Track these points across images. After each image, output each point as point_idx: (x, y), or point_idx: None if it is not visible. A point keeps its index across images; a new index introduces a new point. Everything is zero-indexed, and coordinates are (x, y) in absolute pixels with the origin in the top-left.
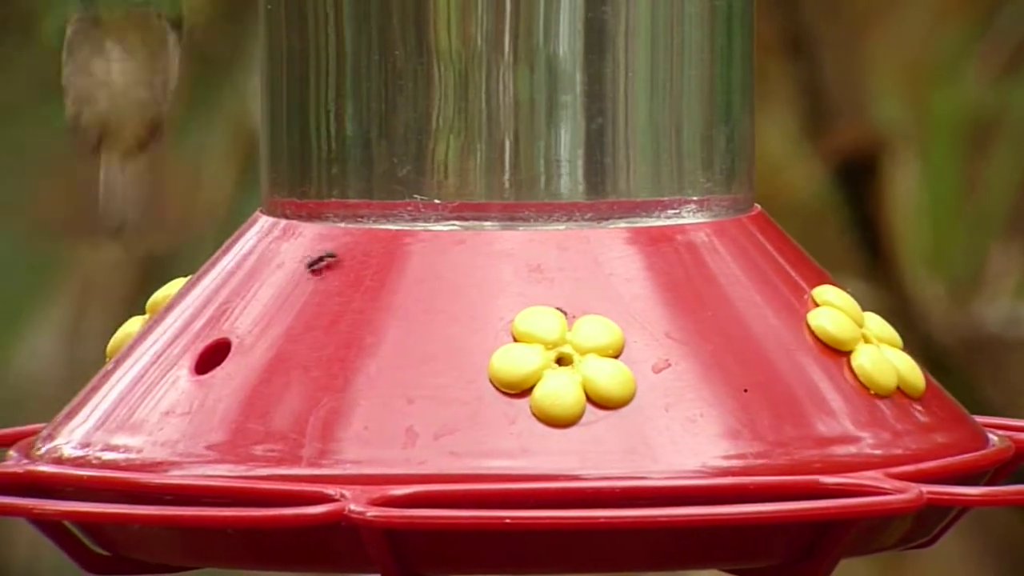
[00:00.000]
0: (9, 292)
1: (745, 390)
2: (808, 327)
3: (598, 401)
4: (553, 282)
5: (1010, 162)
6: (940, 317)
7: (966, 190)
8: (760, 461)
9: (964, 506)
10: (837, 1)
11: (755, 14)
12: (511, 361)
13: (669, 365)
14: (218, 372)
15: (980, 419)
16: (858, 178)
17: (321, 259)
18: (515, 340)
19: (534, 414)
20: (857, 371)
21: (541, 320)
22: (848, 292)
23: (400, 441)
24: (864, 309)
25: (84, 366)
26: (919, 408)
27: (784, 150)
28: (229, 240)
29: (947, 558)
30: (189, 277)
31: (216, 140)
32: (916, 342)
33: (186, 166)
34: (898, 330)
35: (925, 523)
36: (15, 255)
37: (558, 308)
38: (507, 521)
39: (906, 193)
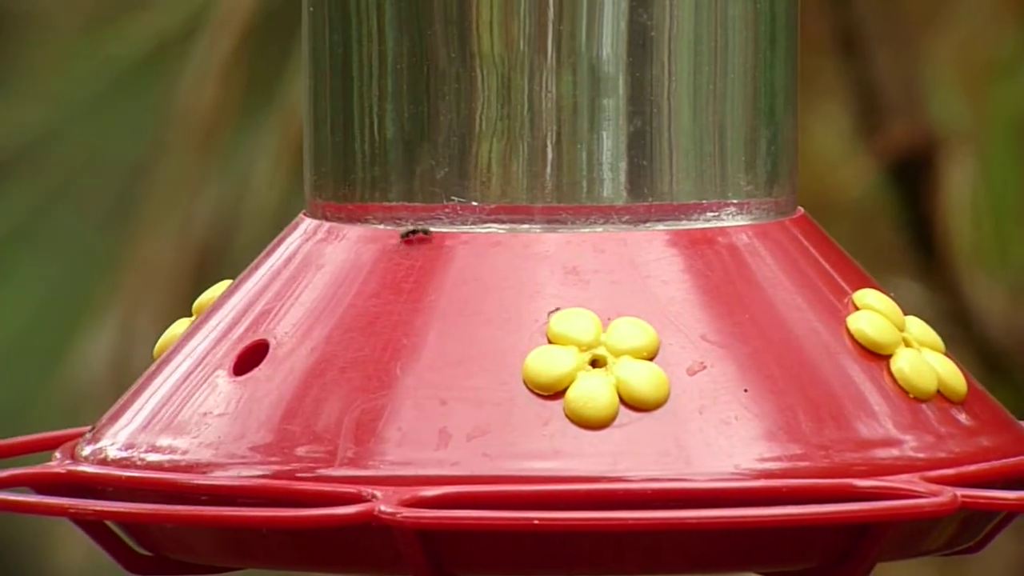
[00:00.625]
0: (66, 295)
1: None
2: (848, 330)
3: (631, 403)
4: (589, 284)
5: None
6: (997, 318)
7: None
8: (797, 464)
9: (1002, 511)
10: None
11: (799, 16)
12: (545, 363)
13: (704, 367)
14: (256, 373)
15: None
16: (913, 177)
17: (415, 231)
18: (550, 342)
19: (567, 416)
20: (896, 375)
21: (576, 322)
22: (902, 293)
23: (433, 442)
24: (919, 311)
25: (137, 371)
26: (962, 412)
27: (838, 149)
28: (273, 242)
29: (1007, 560)
30: (234, 279)
31: (267, 142)
32: (973, 343)
33: (239, 168)
34: (954, 331)
35: (971, 527)
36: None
37: (593, 311)
38: (537, 522)
39: (962, 192)
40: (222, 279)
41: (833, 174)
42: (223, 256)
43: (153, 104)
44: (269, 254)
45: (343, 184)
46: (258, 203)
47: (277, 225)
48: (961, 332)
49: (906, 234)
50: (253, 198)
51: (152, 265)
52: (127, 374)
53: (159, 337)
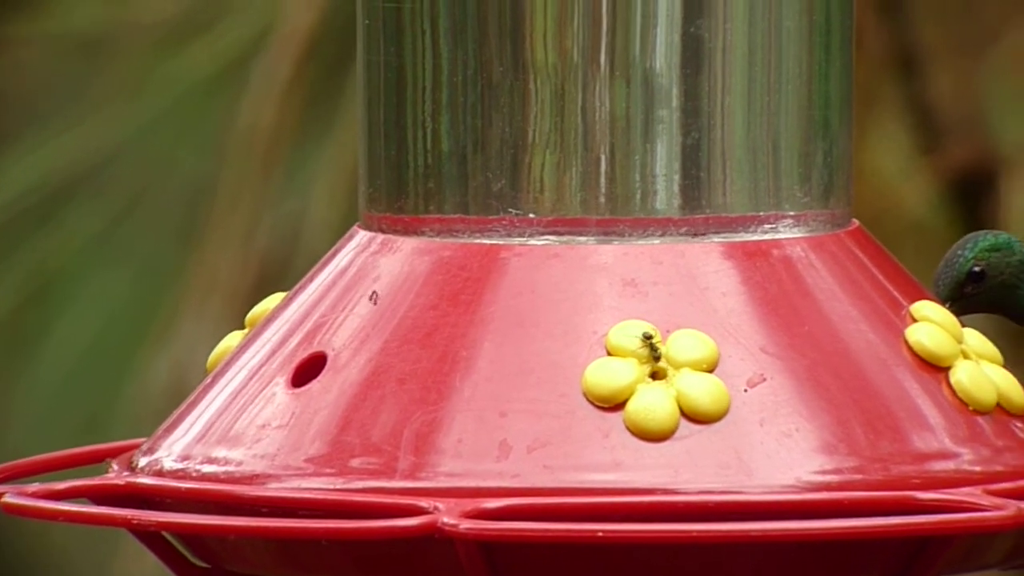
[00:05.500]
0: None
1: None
2: (906, 342)
3: (692, 415)
4: (648, 296)
5: None
6: None
7: None
8: (856, 476)
9: None
10: (950, 17)
11: (854, 28)
12: (605, 375)
13: (764, 380)
14: (314, 385)
15: None
16: (973, 196)
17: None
18: (609, 354)
19: (628, 428)
20: (955, 387)
21: (635, 333)
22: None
23: (494, 454)
24: (979, 331)
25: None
26: (1020, 425)
27: (896, 167)
28: (327, 255)
29: None
30: (288, 292)
31: (328, 158)
32: None
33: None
34: (1015, 351)
35: None
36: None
37: (652, 323)
38: (600, 535)
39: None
40: (271, 296)
41: (892, 193)
42: (284, 271)
43: (217, 123)
44: (323, 266)
45: (397, 196)
46: (319, 218)
47: (339, 239)
48: (1021, 352)
49: None
50: (314, 214)
51: (216, 280)
52: (189, 385)
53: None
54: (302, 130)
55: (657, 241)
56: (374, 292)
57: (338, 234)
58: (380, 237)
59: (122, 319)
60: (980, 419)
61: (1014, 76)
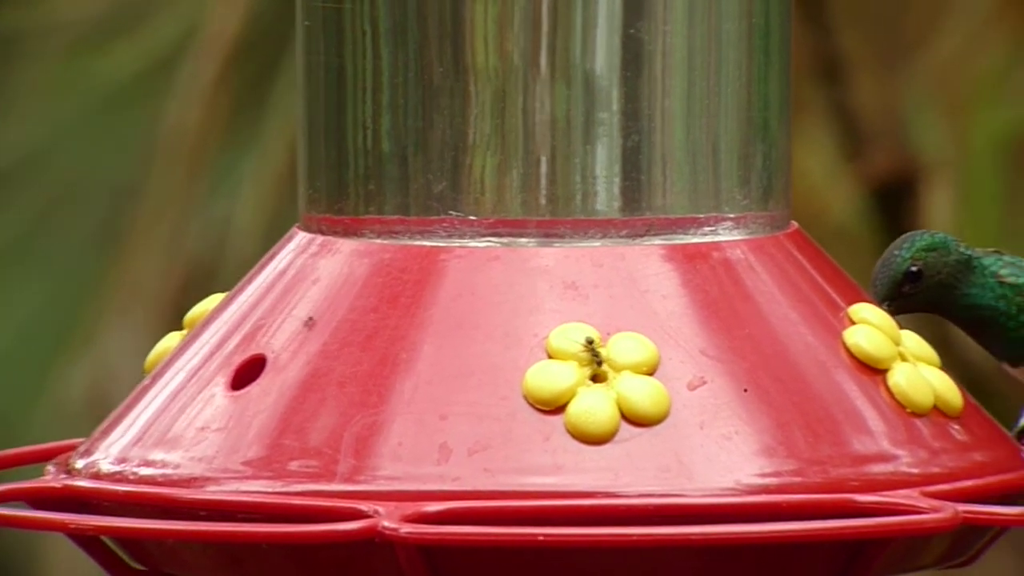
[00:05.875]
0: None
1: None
2: (844, 345)
3: (633, 418)
4: (588, 298)
5: None
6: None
7: (1006, 214)
8: (795, 479)
9: (1001, 526)
10: (875, 25)
11: (792, 33)
12: (545, 378)
13: (704, 382)
14: (253, 388)
15: None
16: (895, 202)
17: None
18: (549, 357)
19: (568, 431)
20: (893, 389)
21: (576, 337)
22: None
23: (434, 457)
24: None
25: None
26: (957, 427)
27: (821, 174)
28: (266, 256)
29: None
30: (226, 293)
31: (255, 161)
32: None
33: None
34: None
35: (964, 542)
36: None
37: (593, 325)
38: (541, 538)
39: (944, 217)
40: (209, 297)
41: (817, 199)
42: (210, 277)
43: (141, 125)
44: (262, 268)
45: (337, 198)
46: (246, 223)
47: (266, 244)
48: (942, 356)
49: None
50: (241, 218)
51: (139, 284)
52: (113, 390)
53: (147, 354)
54: (229, 133)
55: (598, 243)
56: (310, 318)
57: (265, 239)
58: (320, 239)
59: (39, 327)
60: (918, 421)
61: (933, 84)
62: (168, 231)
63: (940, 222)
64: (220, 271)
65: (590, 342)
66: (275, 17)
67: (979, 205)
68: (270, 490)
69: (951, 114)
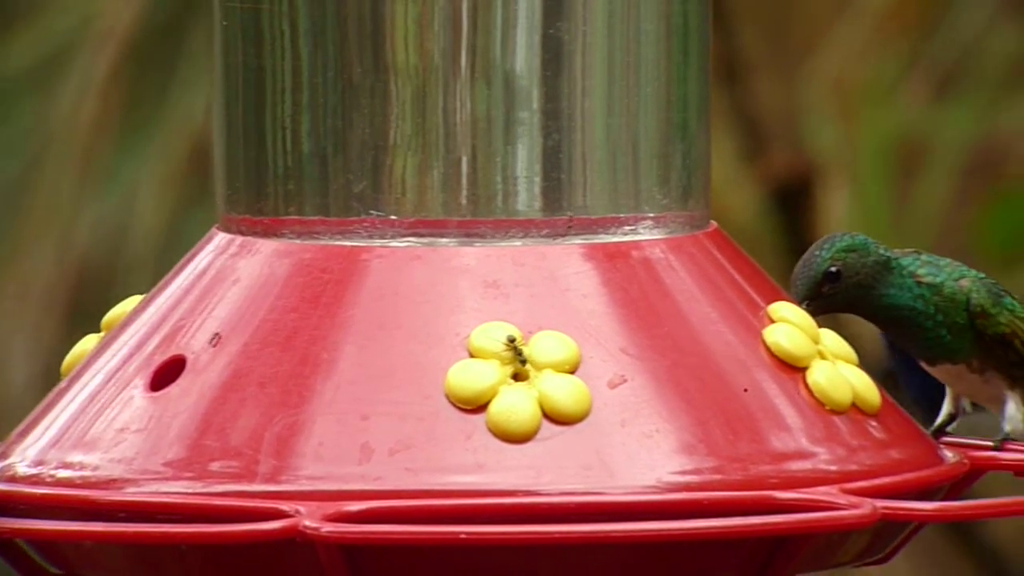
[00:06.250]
0: None
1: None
2: (764, 343)
3: (554, 417)
4: (510, 297)
5: (938, 185)
6: (873, 340)
7: (896, 213)
8: (715, 476)
9: (918, 522)
10: (772, 28)
11: (710, 34)
12: (467, 377)
13: (625, 381)
14: (173, 389)
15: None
16: (793, 202)
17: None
18: (471, 356)
19: (490, 430)
20: (812, 387)
21: (496, 335)
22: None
23: (356, 457)
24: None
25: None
26: (874, 424)
27: (723, 175)
28: (185, 257)
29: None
30: (144, 295)
31: (153, 159)
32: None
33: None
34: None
35: (881, 538)
36: None
37: (515, 324)
38: (463, 536)
39: (839, 217)
40: (106, 297)
41: (717, 199)
42: (106, 273)
43: (32, 120)
44: (181, 269)
45: (257, 198)
46: (143, 220)
47: (164, 243)
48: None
49: (788, 260)
50: (137, 215)
51: (30, 283)
52: (3, 390)
53: (38, 353)
54: (123, 129)
55: (519, 243)
56: (216, 335)
57: (163, 238)
58: (239, 239)
59: None
60: (836, 419)
61: (827, 87)
62: (60, 231)
63: (836, 222)
64: (115, 270)
65: (512, 340)
66: (170, 12)
67: (871, 205)
68: (190, 491)
69: (844, 117)
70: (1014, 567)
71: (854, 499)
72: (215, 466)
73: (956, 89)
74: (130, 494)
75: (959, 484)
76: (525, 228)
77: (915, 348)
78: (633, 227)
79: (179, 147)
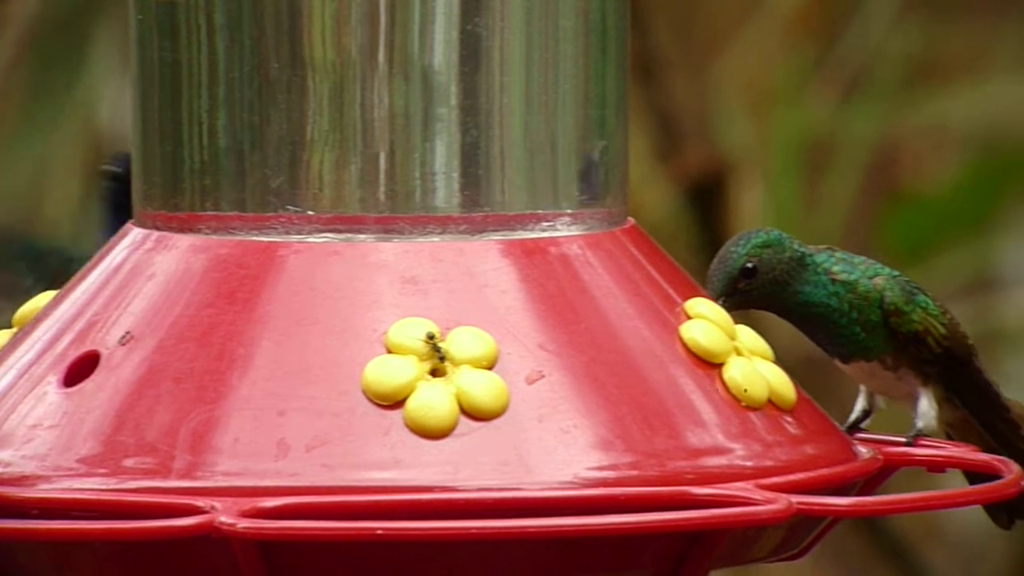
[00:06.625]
0: None
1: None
2: (681, 339)
3: (472, 412)
4: (428, 293)
5: (844, 183)
6: (784, 334)
7: (805, 210)
8: (632, 472)
9: (833, 516)
10: (685, 26)
11: (628, 31)
12: (384, 372)
13: (543, 376)
14: (87, 385)
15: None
16: (707, 199)
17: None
18: (389, 351)
19: (407, 425)
20: (729, 383)
21: (414, 331)
22: None
23: (272, 453)
24: None
25: None
26: (789, 420)
27: (638, 172)
28: (99, 252)
29: (789, 566)
30: (57, 290)
31: (56, 150)
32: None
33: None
34: None
35: (796, 534)
36: None
37: (432, 319)
38: (380, 532)
39: (752, 214)
40: (40, 294)
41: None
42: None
43: None
44: (96, 264)
45: (173, 194)
46: (47, 211)
47: (69, 234)
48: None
49: (703, 256)
50: (42, 206)
51: None
52: None
53: None
54: (25, 118)
55: (437, 239)
56: (127, 333)
57: (70, 232)
58: (155, 234)
59: None
60: (752, 415)
61: (738, 86)
62: None
63: (749, 219)
64: None
65: (431, 337)
66: (75, 2)
67: (783, 202)
68: (104, 487)
69: (755, 116)
70: (919, 561)
71: (770, 494)
72: (130, 462)
73: (861, 90)
74: (42, 491)
75: (873, 480)
76: (443, 224)
77: (829, 345)
78: (552, 223)
79: (85, 136)
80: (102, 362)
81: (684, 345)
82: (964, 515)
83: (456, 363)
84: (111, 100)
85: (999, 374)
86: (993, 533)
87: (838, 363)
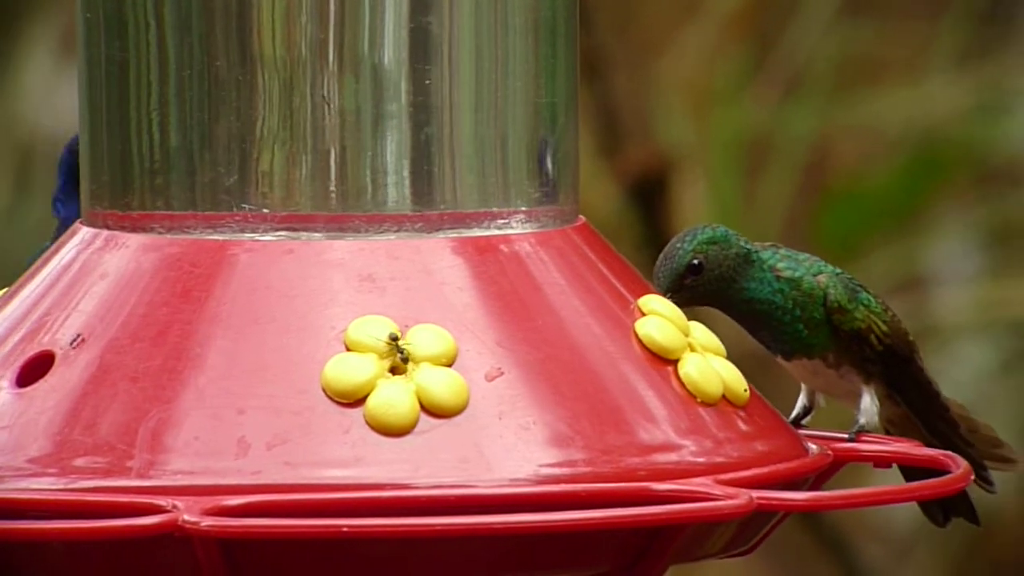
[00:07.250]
0: None
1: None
2: (636, 336)
3: (432, 410)
4: (386, 291)
5: (781, 181)
6: (729, 331)
7: (745, 207)
8: (586, 468)
9: (791, 511)
10: (626, 23)
11: (578, 27)
12: (344, 370)
13: (502, 373)
14: (40, 385)
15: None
16: (650, 197)
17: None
18: (348, 349)
19: (368, 423)
20: (684, 379)
21: (374, 329)
22: None
23: (232, 451)
24: None
25: None
26: (742, 416)
27: (584, 170)
28: (48, 252)
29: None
30: (5, 290)
31: None
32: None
33: None
34: None
35: (747, 530)
36: None
37: (391, 317)
38: (344, 530)
39: (694, 210)
40: None
41: (581, 194)
42: None
43: None
44: (45, 263)
45: (123, 193)
46: None
47: (6, 231)
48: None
49: (648, 254)
50: None
51: None
52: None
53: None
54: None
55: (393, 236)
56: (78, 335)
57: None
58: (105, 233)
59: None
60: (706, 411)
61: (678, 85)
62: None
63: (692, 216)
64: None
65: (395, 339)
66: None
67: (725, 200)
68: (61, 487)
69: (696, 115)
70: (857, 555)
71: (730, 490)
72: (84, 462)
73: (798, 89)
74: None
75: (822, 475)
76: (399, 222)
77: (772, 342)
78: (506, 220)
79: (18, 133)
80: (56, 362)
81: (639, 341)
82: (895, 510)
83: (416, 361)
84: (40, 96)
85: (928, 370)
86: (924, 527)
87: (780, 360)
